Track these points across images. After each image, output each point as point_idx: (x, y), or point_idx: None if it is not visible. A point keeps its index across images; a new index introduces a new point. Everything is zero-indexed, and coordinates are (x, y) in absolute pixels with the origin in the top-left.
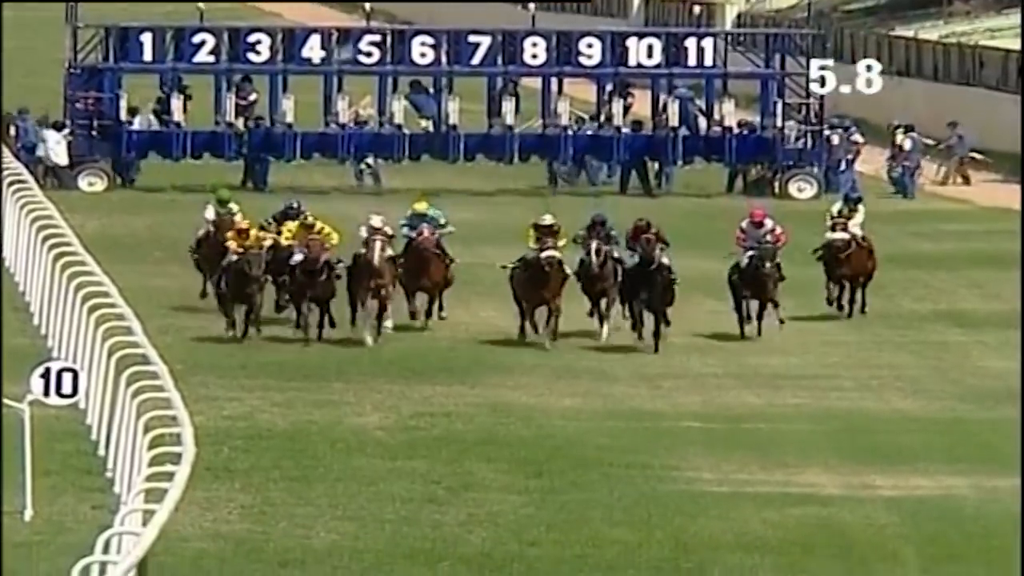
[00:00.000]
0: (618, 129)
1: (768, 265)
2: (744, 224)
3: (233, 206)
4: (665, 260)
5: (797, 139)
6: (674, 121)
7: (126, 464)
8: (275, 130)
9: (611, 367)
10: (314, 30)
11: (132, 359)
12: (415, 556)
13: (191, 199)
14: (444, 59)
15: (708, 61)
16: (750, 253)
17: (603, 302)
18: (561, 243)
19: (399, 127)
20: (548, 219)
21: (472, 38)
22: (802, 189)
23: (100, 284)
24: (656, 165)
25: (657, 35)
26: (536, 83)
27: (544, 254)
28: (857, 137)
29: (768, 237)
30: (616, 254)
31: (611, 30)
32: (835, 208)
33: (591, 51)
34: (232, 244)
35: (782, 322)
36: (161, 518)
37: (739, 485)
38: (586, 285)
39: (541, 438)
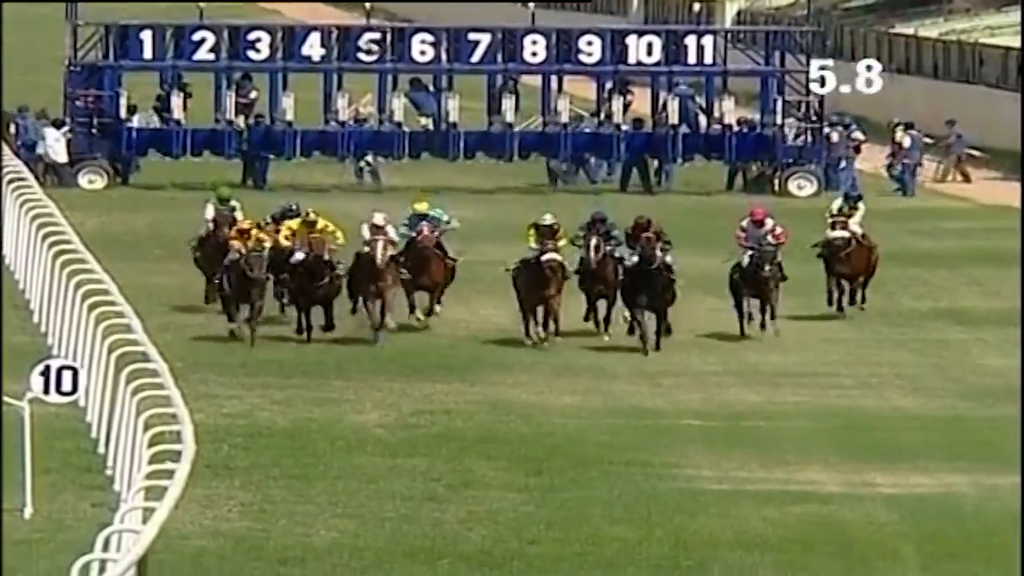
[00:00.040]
0: (618, 127)
1: (768, 267)
2: (745, 223)
3: (234, 203)
4: (668, 259)
5: (797, 137)
6: (674, 119)
7: (126, 462)
8: (275, 128)
9: (611, 365)
10: (314, 28)
11: (132, 357)
12: (415, 554)
13: (191, 197)
14: (444, 57)
15: (708, 59)
16: (750, 253)
17: (601, 304)
18: (561, 243)
19: (399, 125)
20: (548, 218)
21: (472, 36)
22: (802, 187)
23: (100, 282)
24: (656, 163)
25: (657, 33)
26: (536, 81)
27: (545, 257)
28: (857, 135)
29: (769, 237)
30: (616, 253)
31: (611, 28)
32: (835, 206)
33: (591, 49)
34: (236, 244)
35: (777, 333)
36: (161, 516)
37: (739, 483)
38: (585, 283)
39: (541, 436)
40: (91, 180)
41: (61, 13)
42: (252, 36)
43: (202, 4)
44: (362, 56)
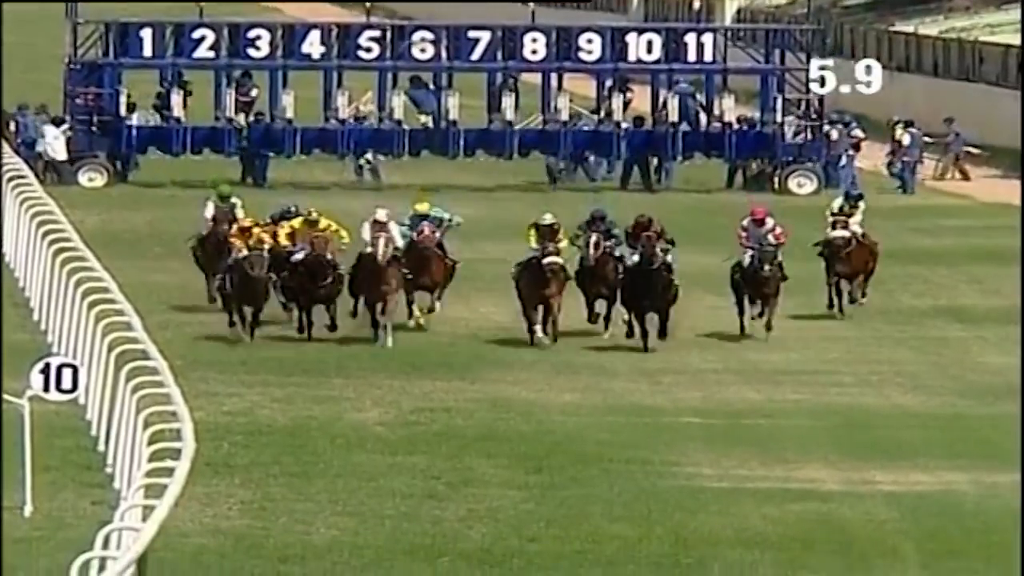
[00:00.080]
0: (618, 125)
1: (768, 267)
2: (745, 222)
3: (235, 200)
4: (668, 259)
5: (797, 134)
6: (674, 116)
7: (126, 460)
8: (275, 126)
9: (611, 363)
10: (314, 26)
11: (132, 355)
12: (415, 552)
13: (191, 195)
14: (444, 55)
15: (708, 57)
16: (751, 253)
17: (600, 304)
18: (562, 244)
19: (399, 123)
20: (549, 218)
21: (472, 34)
22: (802, 185)
23: (100, 280)
24: (656, 161)
25: (657, 31)
26: (536, 79)
27: (546, 260)
28: (857, 132)
29: (769, 236)
30: (616, 252)
31: (611, 26)
32: (835, 205)
33: (591, 47)
34: (238, 243)
35: (769, 327)
36: (161, 514)
37: (739, 481)
38: (584, 281)
39: (541, 434)
40: (91, 178)
41: (61, 11)
42: (252, 34)
43: (202, 3)
44: (362, 54)
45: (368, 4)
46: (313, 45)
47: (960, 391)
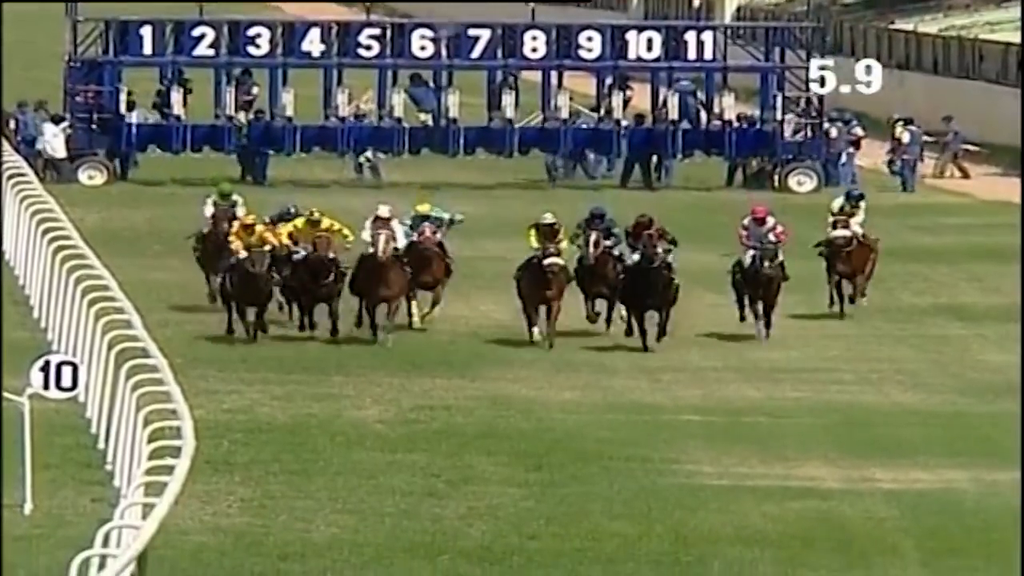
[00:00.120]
0: (618, 123)
1: (769, 265)
2: (746, 221)
3: (235, 198)
4: (669, 258)
5: (797, 132)
6: (674, 114)
7: (126, 458)
8: (275, 124)
9: (611, 360)
10: (314, 24)
11: (132, 352)
12: (415, 549)
13: (191, 192)
14: (444, 53)
15: (708, 55)
16: (752, 253)
17: (600, 303)
18: (563, 245)
19: (399, 121)
20: (549, 218)
21: (472, 32)
22: (802, 182)
23: (100, 277)
24: (656, 159)
25: (657, 28)
26: (536, 77)
27: (547, 261)
28: (857, 130)
29: (770, 235)
30: (616, 251)
31: (611, 23)
32: (836, 205)
33: (591, 45)
34: (236, 243)
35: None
36: (161, 512)
37: (739, 479)
38: (583, 280)
39: (541, 431)
40: (91, 176)
41: (61, 9)
42: (252, 32)
43: (203, 2)
44: (362, 52)
45: (368, 3)
46: (313, 43)
47: (960, 389)
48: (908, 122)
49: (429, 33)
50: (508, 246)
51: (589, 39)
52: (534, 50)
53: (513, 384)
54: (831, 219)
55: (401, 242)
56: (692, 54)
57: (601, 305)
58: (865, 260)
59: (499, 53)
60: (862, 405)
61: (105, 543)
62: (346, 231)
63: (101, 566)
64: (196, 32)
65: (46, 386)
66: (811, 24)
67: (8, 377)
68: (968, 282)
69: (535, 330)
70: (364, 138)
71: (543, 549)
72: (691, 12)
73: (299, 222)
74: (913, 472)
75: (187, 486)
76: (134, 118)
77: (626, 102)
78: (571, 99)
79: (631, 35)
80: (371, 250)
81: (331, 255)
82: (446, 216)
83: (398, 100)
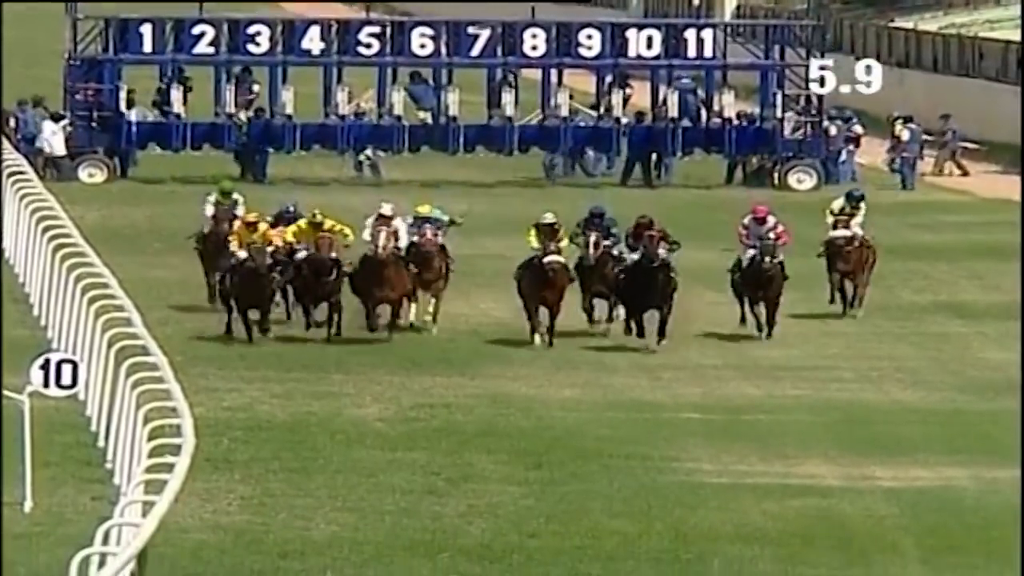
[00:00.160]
0: (618, 121)
1: (769, 260)
2: (746, 220)
3: (236, 196)
4: (669, 259)
5: (796, 130)
6: (674, 112)
7: (126, 455)
8: (275, 121)
9: (610, 358)
10: (314, 22)
11: (132, 350)
12: (415, 547)
13: (191, 190)
14: (444, 50)
15: (708, 52)
16: (751, 252)
17: (599, 302)
18: (563, 244)
19: (399, 118)
20: (549, 217)
21: (471, 29)
22: (802, 180)
23: (100, 275)
24: (655, 157)
25: (656, 26)
26: (536, 75)
27: (548, 260)
28: (857, 128)
29: (771, 235)
30: (616, 251)
31: (611, 21)
32: (836, 206)
33: (591, 42)
34: (235, 244)
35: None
36: (161, 509)
37: (739, 476)
38: (583, 280)
39: (541, 429)
40: (91, 174)
41: (61, 7)
42: (252, 30)
43: (203, 1)
44: (362, 50)
45: (367, 1)
46: (313, 41)
47: (960, 387)
48: (908, 120)
49: (429, 31)
50: (508, 244)
51: (589, 37)
52: (534, 48)
53: (513, 382)
54: (831, 219)
55: (404, 241)
56: (692, 52)
57: (600, 304)
58: (865, 259)
59: (499, 51)
60: (862, 403)
61: (105, 541)
62: (347, 231)
63: (101, 564)
64: (196, 30)
65: (46, 384)
66: (811, 22)
67: (8, 375)
68: (968, 280)
69: (536, 336)
70: (364, 136)
71: (543, 547)
72: (691, 10)
73: (302, 223)
74: (913, 470)
75: (187, 484)
76: (134, 116)
77: (626, 100)
78: (571, 97)
79: (631, 33)
80: (372, 249)
81: (333, 255)
82: (446, 218)
83: (398, 98)
